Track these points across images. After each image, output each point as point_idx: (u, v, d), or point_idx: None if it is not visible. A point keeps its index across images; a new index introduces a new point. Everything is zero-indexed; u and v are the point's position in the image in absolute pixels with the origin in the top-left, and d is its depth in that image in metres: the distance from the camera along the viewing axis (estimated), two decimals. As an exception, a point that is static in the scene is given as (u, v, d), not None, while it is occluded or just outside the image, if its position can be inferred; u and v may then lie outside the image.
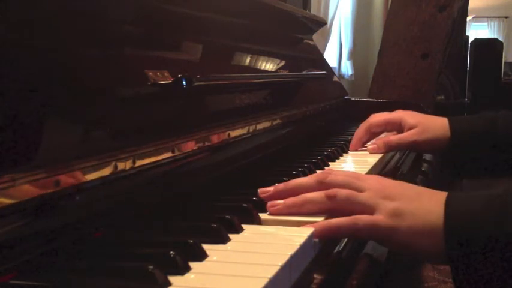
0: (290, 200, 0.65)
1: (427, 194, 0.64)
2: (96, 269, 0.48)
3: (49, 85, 0.54)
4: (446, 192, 0.63)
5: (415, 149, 1.17)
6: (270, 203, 0.66)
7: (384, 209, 0.61)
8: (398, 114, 1.12)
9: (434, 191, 0.65)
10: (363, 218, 0.61)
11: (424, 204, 0.62)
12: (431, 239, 0.59)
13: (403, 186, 0.67)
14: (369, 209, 0.62)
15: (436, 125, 1.06)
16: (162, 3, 0.83)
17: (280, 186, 0.69)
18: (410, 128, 1.07)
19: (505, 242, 0.56)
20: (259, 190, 0.69)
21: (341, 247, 0.68)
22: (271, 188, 0.69)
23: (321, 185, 0.66)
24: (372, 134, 1.15)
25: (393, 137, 1.09)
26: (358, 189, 0.65)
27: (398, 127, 1.11)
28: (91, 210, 0.55)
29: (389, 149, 1.10)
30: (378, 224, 0.61)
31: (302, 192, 0.66)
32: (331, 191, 0.65)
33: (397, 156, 1.23)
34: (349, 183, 0.66)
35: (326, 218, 0.64)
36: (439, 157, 1.36)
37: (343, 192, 0.64)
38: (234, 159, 0.85)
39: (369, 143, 1.13)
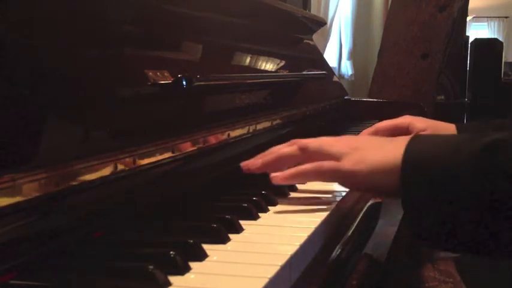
0: (267, 157, 0.73)
1: (389, 142, 0.68)
2: (96, 269, 0.48)
3: (49, 85, 0.54)
4: (408, 137, 0.65)
5: None
6: (251, 163, 0.74)
7: (349, 157, 0.67)
8: (406, 120, 1.11)
9: (400, 137, 0.67)
10: (326, 163, 0.68)
11: (386, 149, 0.65)
12: (390, 177, 0.62)
13: (368, 138, 0.75)
14: (336, 159, 0.68)
15: (446, 130, 1.05)
16: (162, 3, 0.83)
17: (258, 156, 0.76)
18: (419, 132, 1.06)
19: (451, 176, 0.58)
20: (242, 164, 0.75)
21: (341, 247, 0.68)
22: (251, 160, 0.75)
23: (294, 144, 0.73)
24: None
25: None
26: (327, 144, 0.71)
27: (406, 132, 1.09)
28: (91, 210, 0.55)
29: None
30: (340, 169, 0.67)
31: (285, 161, 0.73)
32: (303, 143, 0.72)
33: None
34: (320, 140, 0.73)
35: (321, 223, 0.65)
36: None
37: (314, 143, 0.71)
38: (234, 159, 0.85)
39: None
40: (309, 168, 0.68)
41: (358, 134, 1.18)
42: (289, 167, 0.72)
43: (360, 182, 0.66)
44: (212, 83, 0.83)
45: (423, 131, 1.05)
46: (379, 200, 0.85)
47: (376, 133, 1.10)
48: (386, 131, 1.10)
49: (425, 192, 0.59)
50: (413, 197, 0.60)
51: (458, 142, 0.61)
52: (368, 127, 1.14)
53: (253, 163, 0.74)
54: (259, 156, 0.75)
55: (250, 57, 1.06)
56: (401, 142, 0.63)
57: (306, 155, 0.71)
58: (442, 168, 0.58)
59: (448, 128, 1.05)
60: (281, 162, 0.72)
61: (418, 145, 0.62)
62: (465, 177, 0.57)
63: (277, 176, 0.70)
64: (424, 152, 0.61)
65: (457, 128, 1.04)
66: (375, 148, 0.67)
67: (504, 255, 0.62)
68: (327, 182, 0.72)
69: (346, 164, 0.66)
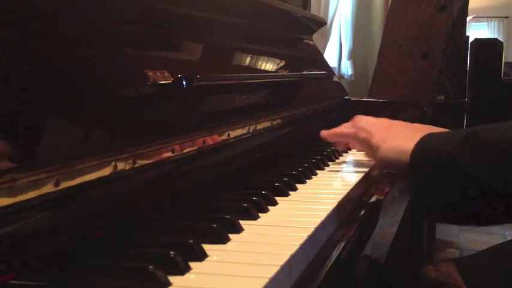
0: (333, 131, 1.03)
1: (411, 130, 0.86)
2: (96, 269, 0.48)
3: (49, 85, 0.54)
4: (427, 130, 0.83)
5: None
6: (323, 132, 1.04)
7: (379, 136, 0.89)
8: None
9: (420, 129, 0.85)
10: (361, 134, 0.94)
11: (406, 135, 0.84)
12: (403, 157, 0.81)
13: (400, 126, 0.92)
14: (370, 134, 0.91)
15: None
16: (162, 3, 0.83)
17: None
18: None
19: (458, 167, 0.73)
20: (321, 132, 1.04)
21: (341, 247, 0.68)
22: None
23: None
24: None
25: None
26: (372, 124, 0.95)
27: None
28: (91, 210, 0.55)
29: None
30: (368, 141, 0.91)
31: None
32: (356, 120, 0.99)
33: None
34: (368, 120, 0.98)
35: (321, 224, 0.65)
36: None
37: (362, 121, 0.97)
38: (234, 159, 0.85)
39: None
40: (349, 132, 0.98)
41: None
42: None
43: (378, 156, 0.88)
44: (212, 83, 0.83)
45: None
46: (381, 197, 0.86)
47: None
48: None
49: (427, 170, 0.77)
50: (417, 175, 0.78)
51: (457, 132, 0.77)
52: None
53: (325, 132, 1.03)
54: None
55: (250, 57, 1.06)
56: (419, 135, 0.80)
57: (356, 127, 0.97)
58: (439, 153, 0.76)
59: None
60: (342, 136, 1.02)
61: (427, 138, 0.79)
62: (454, 157, 0.73)
63: (324, 133, 1.02)
64: (430, 142, 0.79)
65: None
66: (399, 135, 0.86)
67: (482, 221, 0.78)
68: (357, 148, 1.01)
69: (375, 140, 0.89)
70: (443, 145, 0.76)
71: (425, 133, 0.81)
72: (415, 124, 0.95)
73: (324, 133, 1.02)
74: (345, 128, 0.99)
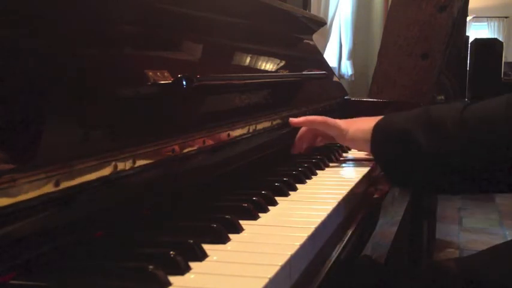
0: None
1: (372, 119, 0.96)
2: (96, 269, 0.48)
3: (49, 85, 0.54)
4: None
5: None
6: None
7: (345, 123, 1.02)
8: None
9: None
10: (331, 120, 1.04)
11: (368, 122, 0.96)
12: (365, 136, 0.95)
13: (360, 118, 1.03)
14: (337, 122, 1.04)
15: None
16: (162, 3, 0.83)
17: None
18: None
19: (408, 136, 0.85)
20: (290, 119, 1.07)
21: (341, 247, 0.68)
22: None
23: None
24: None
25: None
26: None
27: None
28: (91, 210, 0.55)
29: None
30: (336, 126, 1.02)
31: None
32: (325, 118, 1.07)
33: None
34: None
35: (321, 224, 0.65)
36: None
37: (331, 119, 1.06)
38: (234, 159, 0.85)
39: None
40: (319, 118, 1.06)
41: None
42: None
43: (346, 139, 1.01)
44: (212, 83, 0.83)
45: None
46: (381, 198, 0.86)
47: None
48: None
49: (382, 139, 0.91)
50: (378, 147, 0.92)
51: (414, 111, 0.90)
52: None
53: (294, 119, 1.07)
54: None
55: (250, 57, 1.06)
56: (378, 118, 0.94)
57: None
58: (393, 125, 0.90)
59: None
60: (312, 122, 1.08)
61: (386, 118, 0.93)
62: (406, 128, 0.85)
63: (294, 120, 1.06)
64: (388, 120, 0.92)
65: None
66: (362, 121, 1.00)
67: (436, 189, 0.98)
68: (326, 131, 1.05)
69: (343, 126, 1.01)
70: (399, 120, 0.89)
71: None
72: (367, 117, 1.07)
73: (294, 120, 1.06)
74: (315, 117, 1.07)
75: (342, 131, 1.01)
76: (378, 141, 0.92)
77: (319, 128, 1.07)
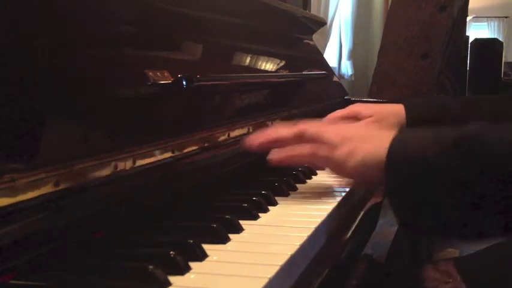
0: (265, 138, 0.78)
1: (377, 134, 0.72)
2: (96, 269, 0.48)
3: (49, 85, 0.54)
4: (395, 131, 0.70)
5: None
6: (251, 139, 0.79)
7: (342, 147, 0.71)
8: (354, 109, 1.14)
9: (386, 131, 0.71)
10: (321, 151, 0.73)
11: (374, 142, 0.69)
12: (376, 171, 0.66)
13: (359, 128, 0.81)
14: (330, 147, 0.72)
15: (392, 113, 1.09)
16: (162, 3, 0.83)
17: (258, 132, 0.81)
18: (366, 117, 1.10)
19: (426, 171, 0.62)
20: (244, 140, 0.79)
21: (341, 247, 0.68)
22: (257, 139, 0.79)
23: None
24: None
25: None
26: (323, 131, 0.74)
27: (355, 120, 1.13)
28: (91, 210, 0.55)
29: None
30: (332, 157, 0.71)
31: (283, 143, 0.77)
32: (300, 129, 0.76)
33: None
34: (319, 127, 0.76)
35: (321, 224, 0.65)
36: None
37: (310, 130, 0.75)
38: (234, 159, 0.85)
39: None
40: (305, 152, 0.74)
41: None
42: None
43: (348, 172, 0.71)
44: (212, 83, 0.83)
45: (370, 116, 1.09)
46: (379, 200, 0.86)
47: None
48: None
49: (403, 183, 0.64)
50: (394, 187, 0.65)
51: (433, 137, 0.65)
52: None
53: (253, 139, 0.78)
54: (259, 133, 0.80)
55: (250, 57, 1.06)
56: (388, 136, 0.67)
57: (303, 139, 0.75)
58: (417, 163, 0.63)
59: (396, 109, 1.09)
60: (279, 143, 0.77)
61: (399, 141, 0.67)
62: (437, 171, 0.61)
63: (274, 159, 0.75)
64: (405, 148, 0.66)
65: (405, 106, 1.08)
66: (365, 141, 0.71)
67: (471, 238, 0.67)
68: (319, 167, 0.81)
69: (339, 153, 0.70)
70: (426, 144, 0.64)
71: (394, 132, 0.68)
72: (367, 127, 0.84)
73: (274, 159, 0.76)
74: (298, 148, 0.75)
75: (337, 163, 0.72)
76: (393, 180, 0.65)
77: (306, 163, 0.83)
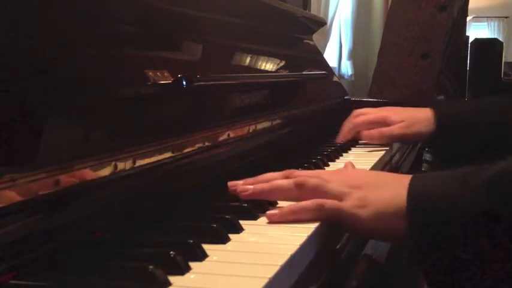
0: (259, 186, 0.67)
1: (391, 180, 0.66)
2: (96, 269, 0.48)
3: (49, 85, 0.54)
4: (411, 176, 0.63)
5: (404, 140, 1.22)
6: (240, 188, 0.67)
7: (350, 197, 0.63)
8: (383, 113, 1.14)
9: (399, 175, 0.67)
10: (328, 203, 0.63)
11: (388, 189, 0.63)
12: (396, 222, 0.60)
13: (368, 174, 0.72)
14: (336, 198, 0.64)
15: (421, 119, 1.10)
16: (162, 3, 0.83)
17: (250, 180, 0.69)
18: (396, 123, 1.12)
19: (460, 219, 0.57)
20: (230, 183, 0.69)
21: (341, 247, 0.68)
22: (240, 182, 0.69)
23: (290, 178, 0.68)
24: (357, 133, 1.17)
25: (385, 129, 1.13)
26: (326, 181, 0.66)
27: (383, 125, 1.14)
28: (91, 210, 0.55)
29: (382, 140, 1.14)
30: (342, 209, 0.62)
31: (279, 194, 0.68)
32: (300, 179, 0.66)
33: (397, 156, 1.23)
34: (317, 175, 0.68)
35: (321, 224, 0.62)
36: (438, 157, 1.39)
37: (311, 180, 0.66)
38: (234, 159, 0.85)
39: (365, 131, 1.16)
40: (310, 206, 0.63)
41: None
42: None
43: (362, 226, 0.62)
44: (212, 83, 0.83)
45: (400, 122, 1.11)
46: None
47: (355, 129, 1.16)
48: (365, 126, 1.14)
49: (434, 235, 0.57)
50: (422, 241, 0.58)
51: (461, 179, 0.59)
52: None
53: (243, 188, 0.67)
54: (250, 180, 0.69)
55: (250, 57, 1.06)
56: (404, 181, 0.62)
57: (303, 191, 0.66)
58: (447, 210, 0.57)
59: (426, 115, 1.09)
60: (274, 194, 0.68)
61: (420, 186, 0.61)
62: (471, 216, 0.56)
63: (275, 215, 0.63)
64: (428, 194, 0.60)
65: (434, 112, 1.08)
66: (376, 187, 0.64)
67: None
68: (328, 222, 0.64)
69: (349, 205, 0.62)
70: (452, 190, 0.58)
71: (404, 178, 0.63)
72: (377, 172, 0.77)
73: (273, 217, 0.63)
74: (303, 205, 0.64)
75: (346, 218, 0.62)
76: (420, 231, 0.59)
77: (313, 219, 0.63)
